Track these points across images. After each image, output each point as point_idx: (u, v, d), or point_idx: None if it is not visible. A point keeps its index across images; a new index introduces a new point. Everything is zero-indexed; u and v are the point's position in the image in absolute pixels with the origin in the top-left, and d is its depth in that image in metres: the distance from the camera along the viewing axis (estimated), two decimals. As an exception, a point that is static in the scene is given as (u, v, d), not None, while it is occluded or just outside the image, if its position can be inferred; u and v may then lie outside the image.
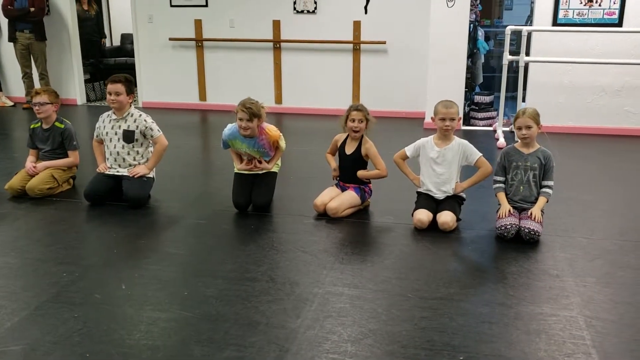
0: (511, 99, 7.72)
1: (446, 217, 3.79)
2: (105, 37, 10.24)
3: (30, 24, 8.20)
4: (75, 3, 8.76)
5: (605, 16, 6.54)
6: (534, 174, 3.75)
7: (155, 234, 3.97)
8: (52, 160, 4.61)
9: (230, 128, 4.26)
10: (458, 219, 3.90)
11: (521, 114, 3.76)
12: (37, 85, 8.50)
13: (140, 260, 3.50)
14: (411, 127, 7.18)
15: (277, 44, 8.03)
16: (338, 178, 4.29)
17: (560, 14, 6.62)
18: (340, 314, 2.83)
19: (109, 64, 10.60)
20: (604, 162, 5.80)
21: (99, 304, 2.94)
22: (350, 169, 4.20)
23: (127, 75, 4.49)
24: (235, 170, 4.37)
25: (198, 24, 8.20)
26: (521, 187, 3.78)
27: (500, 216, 3.72)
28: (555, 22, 6.63)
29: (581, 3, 6.54)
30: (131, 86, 4.42)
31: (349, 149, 4.20)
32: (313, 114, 7.96)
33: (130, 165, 4.41)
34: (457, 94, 6.94)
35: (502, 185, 3.86)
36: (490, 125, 7.17)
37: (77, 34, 8.78)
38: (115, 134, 4.39)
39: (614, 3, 6.47)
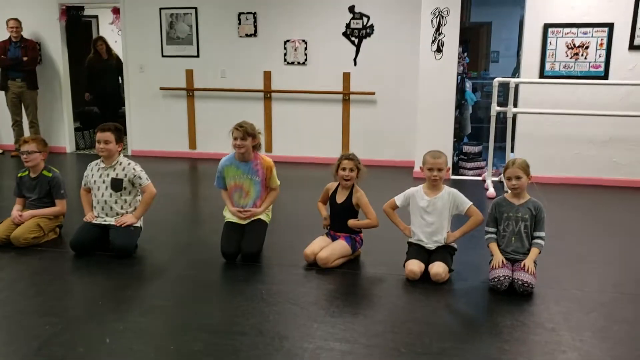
0: (500, 149, 7.77)
1: (438, 269, 3.75)
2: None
3: (22, 73, 8.22)
4: (67, 51, 8.77)
5: (592, 69, 6.66)
6: (525, 224, 3.72)
7: (141, 285, 3.88)
8: (39, 209, 4.54)
9: (225, 158, 4.35)
10: (450, 270, 3.85)
11: (511, 164, 3.76)
12: (26, 133, 8.47)
13: (125, 312, 3.40)
14: (401, 176, 7.18)
15: (267, 93, 8.09)
16: (329, 227, 4.25)
17: (547, 67, 6.73)
18: (331, 369, 2.75)
19: (99, 113, 10.61)
20: (593, 213, 5.81)
21: (82, 359, 2.83)
22: (341, 218, 4.16)
23: (117, 124, 4.49)
24: (226, 219, 4.32)
25: (189, 73, 8.27)
26: (513, 238, 3.75)
27: (493, 267, 3.68)
28: (542, 75, 6.74)
29: (567, 56, 6.67)
30: (120, 134, 4.40)
31: (340, 198, 4.17)
32: (303, 162, 7.96)
33: (117, 214, 4.35)
34: (445, 144, 6.98)
35: (493, 235, 3.84)
36: (479, 175, 7.19)
37: (68, 82, 8.79)
38: (103, 182, 4.35)
39: (600, 56, 6.60)
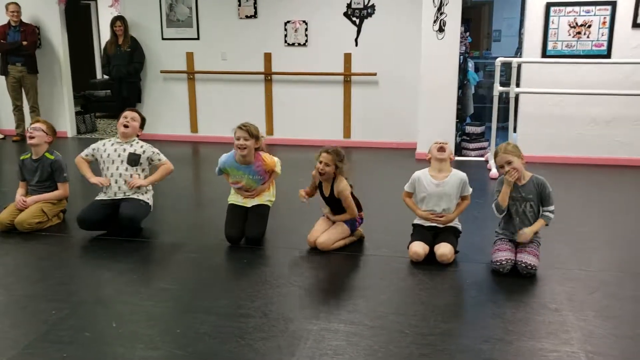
0: (502, 130, 7.76)
1: (444, 249, 3.75)
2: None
3: (22, 57, 8.19)
4: (67, 34, 8.73)
5: (594, 48, 6.62)
6: (531, 204, 3.68)
7: (147, 269, 3.90)
8: (40, 193, 4.55)
9: (225, 156, 4.27)
10: (456, 251, 3.85)
11: (499, 151, 3.69)
12: (27, 118, 8.46)
13: (131, 296, 3.42)
14: (403, 158, 7.17)
15: (268, 76, 8.06)
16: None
17: (549, 46, 6.69)
18: (336, 351, 2.76)
19: (100, 96, 10.60)
20: (596, 192, 5.81)
21: (89, 343, 2.85)
22: (334, 206, 4.14)
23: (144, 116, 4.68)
24: (230, 201, 4.32)
25: (190, 56, 8.23)
26: (517, 219, 3.72)
27: (500, 199, 3.66)
28: (544, 54, 6.70)
29: (569, 35, 6.62)
30: (144, 123, 4.62)
31: (325, 191, 4.12)
32: (304, 145, 7.95)
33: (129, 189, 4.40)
34: (448, 125, 6.98)
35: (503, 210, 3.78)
36: (482, 156, 7.18)
37: (68, 66, 8.76)
38: (119, 156, 4.39)
39: (602, 35, 6.55)
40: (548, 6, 6.58)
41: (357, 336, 2.90)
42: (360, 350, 2.78)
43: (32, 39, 8.22)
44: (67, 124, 8.88)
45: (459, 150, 7.38)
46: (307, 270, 3.76)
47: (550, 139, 6.80)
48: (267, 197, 4.36)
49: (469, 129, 7.52)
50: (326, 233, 4.03)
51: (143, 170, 4.45)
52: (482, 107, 8.82)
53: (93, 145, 4.53)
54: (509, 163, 3.61)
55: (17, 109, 8.45)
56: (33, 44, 8.25)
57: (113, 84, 8.47)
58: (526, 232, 3.62)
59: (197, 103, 8.36)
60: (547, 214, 3.69)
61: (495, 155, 3.73)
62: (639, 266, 3.83)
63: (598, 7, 6.50)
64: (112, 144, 4.45)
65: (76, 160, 4.55)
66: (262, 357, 2.70)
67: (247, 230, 4.16)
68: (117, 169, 4.37)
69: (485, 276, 3.65)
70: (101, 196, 4.42)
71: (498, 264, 3.61)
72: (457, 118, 7.24)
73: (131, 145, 4.44)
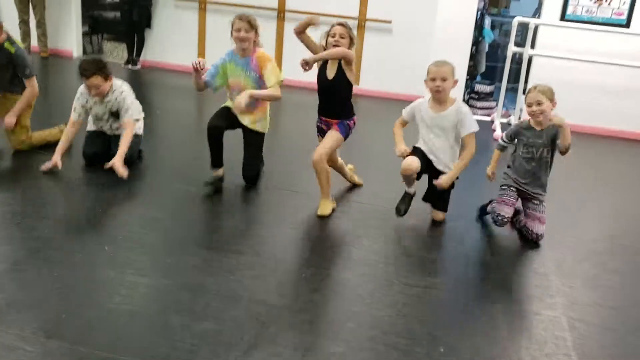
0: (512, 91, 7.65)
1: (438, 216, 3.77)
2: None
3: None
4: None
5: (614, 16, 6.46)
6: (548, 150, 3.51)
7: (142, 198, 3.91)
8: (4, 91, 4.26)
9: (226, 53, 4.05)
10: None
11: (533, 89, 3.50)
12: (33, 32, 8.33)
13: (125, 223, 3.44)
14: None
15: (281, 13, 7.89)
16: (321, 117, 3.85)
17: (569, 10, 6.53)
18: (324, 295, 2.80)
19: (108, 18, 10.40)
20: (601, 164, 5.78)
21: (80, 264, 2.89)
22: (334, 97, 3.77)
23: (98, 60, 4.09)
24: (225, 104, 4.15)
25: (202, -16, 8.04)
26: (534, 164, 3.55)
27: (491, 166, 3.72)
28: (563, 17, 6.55)
29: (590, 0, 6.46)
30: (106, 70, 4.04)
31: (331, 73, 3.72)
32: (312, 88, 7.84)
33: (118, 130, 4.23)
34: (458, 81, 6.88)
35: (504, 146, 3.77)
36: (489, 116, 7.12)
37: (78, -17, 8.56)
38: (104, 113, 4.22)
39: (624, 3, 6.39)
40: (573, -33, 6.39)
41: (345, 281, 2.94)
42: (347, 295, 2.82)
43: (43, -49, 8.00)
44: (73, 43, 8.73)
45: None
46: (303, 213, 3.75)
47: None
48: (261, 119, 4.10)
49: (478, 87, 7.43)
50: (318, 148, 3.70)
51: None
52: (493, 67, 8.68)
53: (80, 102, 4.17)
54: (539, 104, 3.44)
55: (23, 22, 8.29)
56: (43, -43, 8.04)
57: (123, 6, 8.29)
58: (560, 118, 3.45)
59: (206, 33, 8.21)
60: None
61: (529, 92, 3.53)
62: (633, 240, 3.85)
63: (624, -26, 6.32)
64: (95, 102, 4.15)
65: (66, 129, 4.21)
66: (251, 294, 2.73)
67: (244, 169, 4.12)
68: (107, 122, 4.25)
69: (477, 235, 3.67)
70: (92, 127, 4.33)
71: (500, 218, 3.52)
72: (467, 75, 7.14)
73: (109, 101, 4.13)
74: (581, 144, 6.31)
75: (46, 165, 4.01)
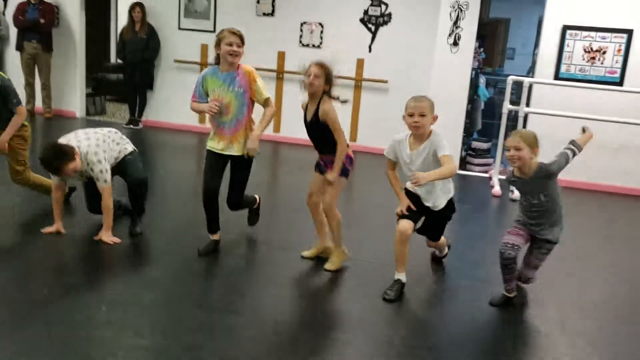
0: (509, 148, 7.74)
1: (434, 245, 3.83)
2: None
3: (38, 35, 8.22)
4: (85, 15, 8.75)
5: (607, 74, 6.61)
6: (544, 194, 3.36)
7: (141, 257, 3.91)
8: None
9: (207, 68, 3.90)
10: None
11: (513, 133, 3.37)
12: (38, 95, 8.51)
13: (123, 282, 3.43)
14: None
15: (280, 74, 8.07)
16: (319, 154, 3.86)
17: (563, 68, 6.68)
18: (323, 358, 2.77)
19: (111, 80, 10.63)
20: (599, 219, 5.79)
21: (77, 325, 2.87)
22: (318, 138, 3.75)
23: (55, 151, 3.80)
24: (207, 147, 3.96)
25: (204, 48, 8.25)
26: (534, 209, 3.41)
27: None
28: (557, 76, 6.69)
29: (584, 60, 6.62)
30: (67, 153, 3.77)
31: (309, 114, 3.69)
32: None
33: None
34: (455, 139, 6.97)
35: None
36: (486, 172, 7.18)
37: (83, 46, 8.78)
38: (80, 181, 4.17)
39: (616, 62, 6.54)
40: (564, 29, 6.57)
41: (346, 343, 2.91)
42: (348, 356, 2.78)
43: (50, 17, 8.25)
44: (77, 104, 8.91)
45: (463, 165, 7.37)
46: (303, 272, 3.75)
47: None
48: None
49: (475, 144, 7.52)
50: (328, 193, 3.69)
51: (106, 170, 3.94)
52: (490, 124, 8.81)
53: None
54: (518, 149, 3.26)
55: (29, 85, 8.48)
56: (50, 22, 8.28)
57: (126, 68, 8.49)
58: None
59: (207, 95, 8.37)
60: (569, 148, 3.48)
61: (509, 136, 3.39)
62: (636, 298, 3.82)
63: (614, 35, 6.49)
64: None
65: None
66: (249, 357, 2.70)
67: (231, 195, 3.91)
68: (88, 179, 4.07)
69: (478, 293, 3.64)
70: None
71: (503, 245, 3.39)
72: (464, 132, 7.24)
73: (81, 173, 3.93)
74: (579, 200, 6.35)
75: (48, 229, 4.02)
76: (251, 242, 4.14)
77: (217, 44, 3.74)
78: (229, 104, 3.76)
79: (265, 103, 3.83)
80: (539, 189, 3.36)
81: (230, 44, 3.68)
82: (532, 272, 3.57)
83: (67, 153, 3.75)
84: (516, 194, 5.92)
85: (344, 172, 3.74)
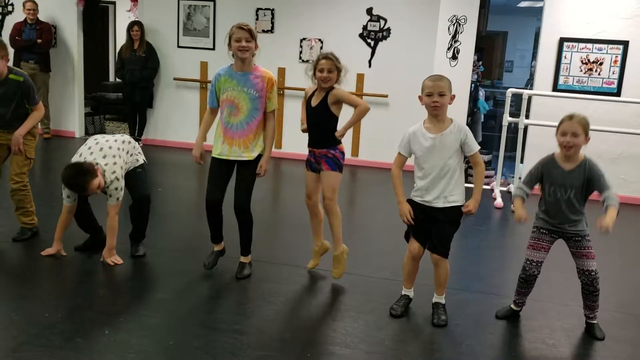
0: (509, 159, 7.74)
1: (437, 261, 3.35)
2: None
3: (36, 55, 8.24)
4: (82, 36, 8.79)
5: (605, 85, 6.63)
6: (575, 192, 3.21)
7: (144, 277, 3.88)
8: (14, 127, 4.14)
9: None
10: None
11: (567, 118, 3.17)
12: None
13: (126, 304, 3.40)
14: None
15: (280, 90, 8.08)
16: (309, 148, 3.84)
17: (561, 80, 6.71)
18: (329, 374, 2.74)
19: (110, 99, 10.65)
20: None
21: (80, 349, 2.83)
22: (318, 125, 3.73)
23: (78, 169, 3.73)
24: (213, 154, 3.90)
25: (204, 66, 8.27)
26: (563, 205, 3.23)
27: (518, 218, 3.19)
28: (555, 88, 6.71)
29: (581, 71, 6.64)
30: (91, 171, 3.70)
31: (315, 101, 3.70)
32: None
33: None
34: (455, 96, 6.98)
35: (523, 193, 3.31)
36: (488, 185, 7.16)
37: (81, 67, 8.81)
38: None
39: (613, 73, 6.57)
40: (561, 41, 6.60)
41: (350, 360, 2.88)
42: (353, 375, 2.76)
43: (47, 37, 8.27)
44: (76, 124, 8.91)
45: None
46: (307, 289, 3.73)
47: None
48: (254, 145, 3.79)
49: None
50: (327, 190, 3.71)
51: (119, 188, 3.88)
52: (490, 136, 8.82)
53: (69, 192, 3.85)
54: (575, 135, 3.11)
55: (27, 106, 8.48)
56: (48, 42, 8.30)
57: (125, 87, 8.51)
58: (608, 225, 3.05)
59: (206, 112, 8.39)
60: (611, 200, 3.20)
61: (565, 120, 3.18)
62: (637, 308, 3.79)
63: (610, 46, 6.53)
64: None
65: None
66: (254, 375, 2.68)
67: (237, 197, 3.78)
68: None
69: (484, 307, 3.61)
70: None
71: (527, 263, 3.27)
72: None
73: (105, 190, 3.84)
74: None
75: (47, 251, 3.99)
76: (254, 260, 4.10)
77: (229, 43, 3.69)
78: (240, 106, 3.71)
79: (271, 114, 3.82)
80: (574, 183, 3.18)
81: (239, 40, 3.61)
82: (590, 261, 3.27)
83: (90, 170, 3.70)
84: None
85: (339, 167, 3.76)
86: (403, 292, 3.51)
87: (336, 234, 3.82)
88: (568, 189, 3.20)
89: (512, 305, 3.47)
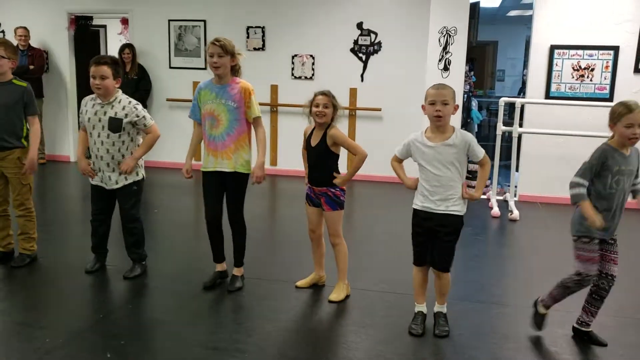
0: (504, 168, 7.76)
1: (440, 276, 3.34)
2: None
3: (28, 81, 8.20)
4: (74, 60, 8.82)
5: (597, 91, 6.67)
6: (630, 180, 3.09)
7: (144, 299, 3.86)
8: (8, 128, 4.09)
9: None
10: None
11: (628, 110, 2.97)
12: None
13: (127, 327, 3.38)
14: (406, 193, 7.14)
15: (274, 107, 8.10)
16: (309, 184, 3.86)
17: (553, 87, 6.75)
18: (333, 390, 2.72)
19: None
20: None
21: (82, 373, 2.81)
22: (318, 165, 3.76)
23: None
24: (202, 168, 3.96)
25: (196, 85, 8.26)
26: (618, 199, 3.07)
27: (597, 224, 2.99)
28: (547, 95, 6.75)
29: (573, 78, 6.68)
30: (118, 69, 3.89)
31: (315, 140, 3.75)
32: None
33: (113, 157, 3.93)
34: (459, 106, 7.00)
35: (585, 190, 3.07)
36: (484, 194, 7.17)
37: (74, 91, 8.82)
38: (99, 120, 3.87)
39: (605, 79, 6.61)
40: (552, 49, 6.65)
41: (354, 375, 2.86)
42: (357, 390, 2.74)
43: (39, 63, 8.29)
44: (70, 149, 8.90)
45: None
46: (306, 305, 3.72)
47: (552, 179, 6.79)
48: (239, 157, 3.82)
49: (471, 166, 7.50)
50: (330, 227, 3.77)
51: (129, 134, 3.95)
52: (484, 146, 8.80)
53: (80, 110, 4.01)
54: None
55: (21, 131, 8.47)
56: (40, 68, 8.32)
57: None
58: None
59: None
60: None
61: (626, 113, 2.99)
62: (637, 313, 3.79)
63: (601, 52, 6.58)
64: (94, 105, 3.90)
65: (79, 134, 4.10)
66: (257, 394, 2.65)
67: (228, 210, 3.90)
68: (98, 135, 3.89)
69: (485, 317, 3.61)
70: (96, 180, 4.04)
71: (589, 278, 3.13)
72: (459, 156, 7.26)
73: (112, 106, 3.87)
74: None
75: (88, 171, 3.99)
76: (253, 278, 4.09)
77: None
78: (220, 117, 3.77)
79: (255, 122, 3.84)
80: (633, 170, 3.06)
81: (212, 55, 3.67)
82: (614, 267, 3.22)
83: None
84: (516, 213, 5.93)
85: (340, 205, 3.79)
86: (416, 309, 3.47)
87: (341, 269, 3.86)
88: (631, 175, 3.06)
89: (543, 309, 3.37)
